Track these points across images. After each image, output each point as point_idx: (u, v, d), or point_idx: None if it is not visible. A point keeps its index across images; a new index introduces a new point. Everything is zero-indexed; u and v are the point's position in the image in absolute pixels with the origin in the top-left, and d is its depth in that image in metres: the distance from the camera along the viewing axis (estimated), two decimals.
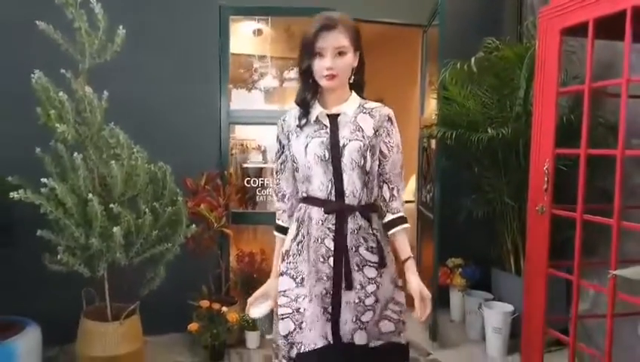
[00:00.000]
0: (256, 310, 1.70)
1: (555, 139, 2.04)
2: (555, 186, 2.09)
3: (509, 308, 3.06)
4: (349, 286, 1.53)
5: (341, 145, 1.55)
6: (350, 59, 1.54)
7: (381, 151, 1.60)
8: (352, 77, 1.59)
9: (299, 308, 1.56)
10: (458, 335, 3.39)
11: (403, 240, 1.62)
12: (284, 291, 1.60)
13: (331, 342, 1.53)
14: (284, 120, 1.67)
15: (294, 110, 1.64)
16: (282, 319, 1.58)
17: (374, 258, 1.56)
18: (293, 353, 1.56)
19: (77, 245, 2.33)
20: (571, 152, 2.08)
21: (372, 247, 1.56)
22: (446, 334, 3.36)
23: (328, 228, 1.55)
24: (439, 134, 3.06)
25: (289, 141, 1.64)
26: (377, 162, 1.60)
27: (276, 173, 1.70)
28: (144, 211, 2.39)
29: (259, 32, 4.48)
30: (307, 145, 1.57)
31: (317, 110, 1.59)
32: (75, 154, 2.26)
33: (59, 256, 2.28)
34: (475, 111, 2.97)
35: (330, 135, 1.56)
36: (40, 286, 2.83)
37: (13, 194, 2.13)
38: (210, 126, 3.40)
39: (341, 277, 1.53)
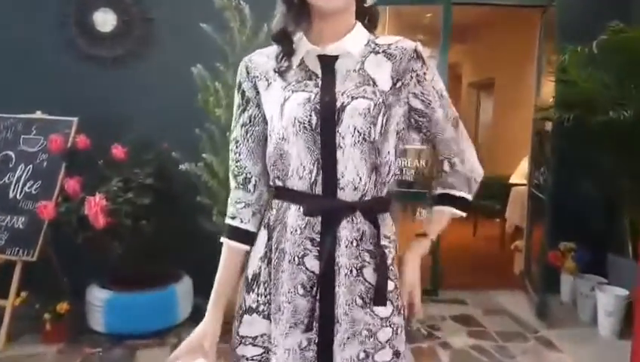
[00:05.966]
0: None
1: None
2: None
3: (624, 291, 3.04)
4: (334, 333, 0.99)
5: (338, 105, 0.97)
6: None
7: (414, 110, 1.04)
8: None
9: None
10: (568, 317, 3.42)
11: (438, 222, 1.14)
12: (254, 338, 1.05)
13: None
14: (250, 60, 1.07)
15: (269, 48, 1.08)
16: None
17: (390, 285, 1.02)
18: None
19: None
20: None
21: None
22: (555, 315, 3.41)
23: (310, 240, 0.99)
24: (556, 116, 3.09)
25: (257, 93, 1.05)
26: (405, 130, 1.05)
27: (235, 142, 1.08)
28: None
29: None
30: (284, 102, 0.99)
31: (304, 48, 1.01)
32: (227, 133, 2.69)
33: (214, 218, 2.76)
34: (595, 93, 2.95)
35: (322, 89, 0.99)
36: (190, 245, 3.37)
37: (181, 166, 2.63)
38: None
39: (332, 321, 0.99)
